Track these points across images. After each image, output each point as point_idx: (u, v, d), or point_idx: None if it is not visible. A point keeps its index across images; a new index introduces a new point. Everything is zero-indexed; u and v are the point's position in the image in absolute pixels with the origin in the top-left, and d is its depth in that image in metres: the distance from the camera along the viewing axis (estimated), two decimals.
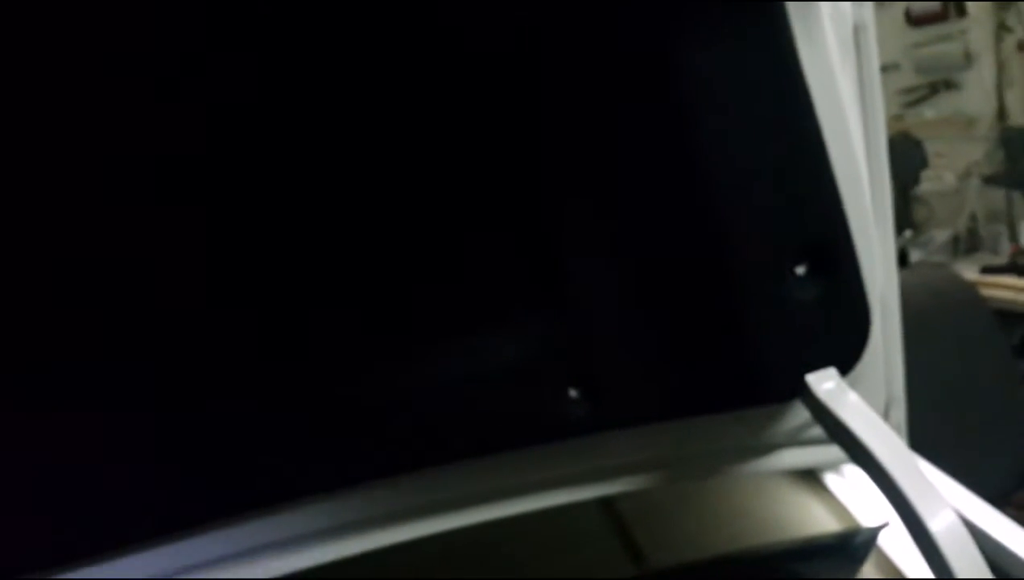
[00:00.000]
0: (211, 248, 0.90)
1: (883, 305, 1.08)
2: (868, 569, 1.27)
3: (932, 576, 0.91)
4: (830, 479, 1.50)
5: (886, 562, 1.26)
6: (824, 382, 1.00)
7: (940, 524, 0.89)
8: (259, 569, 1.03)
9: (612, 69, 0.90)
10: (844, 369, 1.01)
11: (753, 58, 0.91)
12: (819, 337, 1.01)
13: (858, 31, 1.01)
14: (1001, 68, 4.11)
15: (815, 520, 1.50)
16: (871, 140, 1.04)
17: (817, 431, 1.06)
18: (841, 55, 0.98)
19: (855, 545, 1.22)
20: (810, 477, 1.55)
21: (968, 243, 4.25)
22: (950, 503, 0.92)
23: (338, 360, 0.96)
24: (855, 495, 1.42)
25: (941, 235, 4.25)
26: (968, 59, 4.23)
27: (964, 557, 0.88)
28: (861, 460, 0.96)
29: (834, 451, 1.06)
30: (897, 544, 1.21)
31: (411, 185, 0.92)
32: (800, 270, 0.98)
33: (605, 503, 1.49)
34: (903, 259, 4.04)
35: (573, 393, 1.01)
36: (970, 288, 3.05)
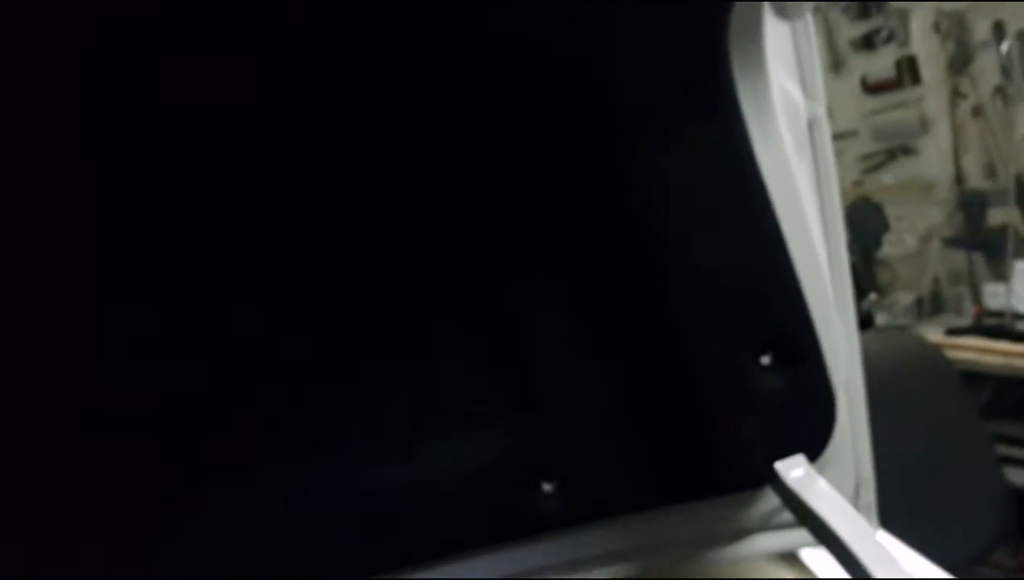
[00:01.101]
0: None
1: (848, 390, 1.10)
2: None
3: None
4: (809, 556, 1.51)
5: None
6: (793, 469, 1.01)
7: None
8: None
9: (571, 177, 0.92)
10: (812, 455, 1.03)
11: (710, 158, 0.94)
12: (786, 425, 1.03)
13: (812, 126, 1.04)
14: (956, 133, 4.20)
15: None
16: (829, 231, 1.07)
17: (789, 515, 1.08)
18: (796, 150, 1.01)
19: None
20: (790, 555, 1.56)
21: (932, 305, 4.30)
22: None
23: (302, 465, 0.97)
24: (834, 571, 1.43)
25: (905, 298, 4.30)
26: (924, 125, 4.32)
27: None
28: (831, 546, 0.97)
29: (805, 535, 1.08)
30: None
31: (376, 285, 0.93)
32: (765, 361, 1.00)
33: None
34: (868, 322, 4.08)
35: (547, 487, 1.02)
36: (935, 351, 3.09)
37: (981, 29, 4.01)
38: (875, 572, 0.93)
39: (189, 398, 0.91)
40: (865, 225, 4.40)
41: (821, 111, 1.05)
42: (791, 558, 1.54)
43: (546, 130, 0.90)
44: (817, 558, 1.49)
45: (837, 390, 1.04)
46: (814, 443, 1.03)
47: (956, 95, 4.16)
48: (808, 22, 1.03)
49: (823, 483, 1.00)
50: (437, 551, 1.01)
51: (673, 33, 0.87)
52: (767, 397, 1.00)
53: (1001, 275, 3.95)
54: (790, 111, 1.02)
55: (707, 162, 0.94)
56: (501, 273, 0.96)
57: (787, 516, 1.08)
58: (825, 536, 0.98)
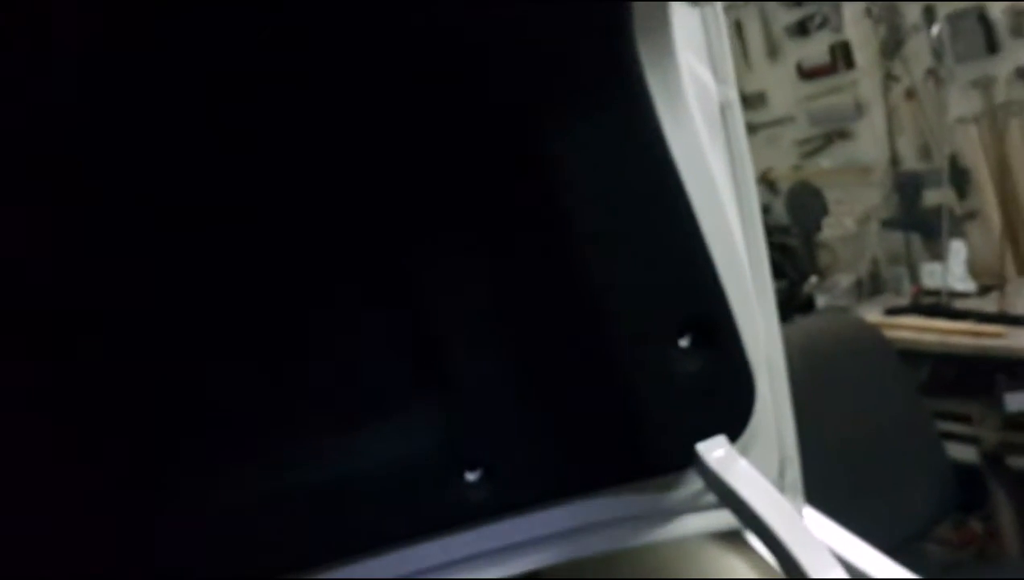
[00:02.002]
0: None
1: (770, 369, 1.11)
2: None
3: None
4: (752, 536, 1.52)
5: None
6: (714, 450, 1.02)
7: None
8: None
9: (480, 163, 0.92)
10: (733, 436, 1.04)
11: (621, 143, 0.94)
12: (706, 407, 1.03)
13: (725, 109, 1.05)
14: (891, 116, 4.25)
15: (737, 574, 1.52)
16: (745, 212, 1.08)
17: (712, 497, 1.08)
18: (710, 134, 1.02)
19: None
20: (733, 534, 1.57)
21: (871, 286, 4.35)
22: (844, 559, 0.94)
23: (225, 454, 0.96)
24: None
25: (845, 279, 4.35)
26: (859, 109, 4.36)
27: None
28: (752, 526, 0.98)
29: (729, 516, 1.09)
30: None
31: (283, 273, 0.92)
32: (683, 343, 1.01)
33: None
34: (809, 304, 4.13)
35: (471, 477, 1.03)
36: (874, 330, 3.13)
37: (912, 13, 4.06)
38: (797, 551, 0.94)
39: (101, 396, 0.91)
40: (805, 209, 4.45)
41: (733, 95, 1.06)
42: (739, 542, 1.55)
43: (453, 116, 0.90)
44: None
45: (757, 370, 1.04)
46: (735, 423, 1.04)
47: (889, 78, 4.21)
48: (717, 8, 1.03)
49: (744, 463, 1.01)
50: (363, 545, 1.01)
51: (578, 19, 0.87)
52: (686, 379, 1.01)
53: (938, 254, 4.00)
54: (702, 95, 1.02)
55: (618, 147, 0.94)
56: (417, 264, 0.96)
57: (709, 498, 1.09)
58: (747, 516, 0.99)
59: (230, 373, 0.96)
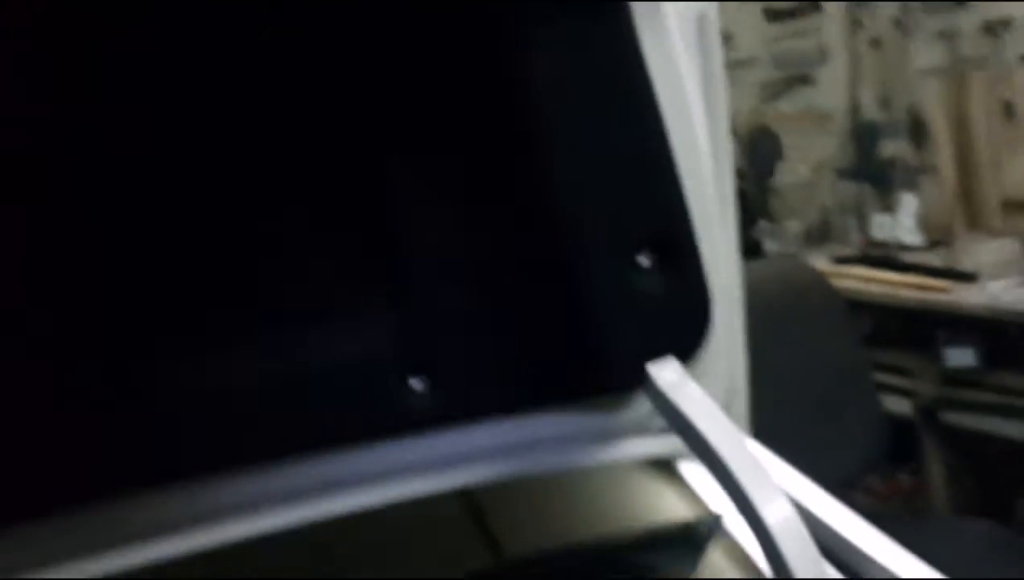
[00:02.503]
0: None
1: (726, 297, 1.09)
2: (718, 556, 1.28)
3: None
4: (685, 468, 1.52)
5: (737, 550, 1.28)
6: (665, 372, 1.00)
7: (775, 515, 0.90)
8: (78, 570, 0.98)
9: (448, 62, 0.88)
10: (685, 358, 1.02)
11: (595, 49, 0.91)
12: (661, 327, 1.01)
13: (702, 22, 1.01)
14: (854, 64, 4.23)
15: (668, 508, 1.52)
16: (715, 132, 1.05)
17: (660, 421, 1.06)
18: (685, 46, 0.99)
19: (696, 535, 1.23)
20: (666, 467, 1.57)
21: (820, 234, 4.36)
22: (786, 493, 0.93)
23: (159, 355, 0.92)
24: (708, 483, 1.44)
25: (795, 226, 4.35)
26: (823, 54, 4.34)
27: (798, 547, 0.90)
28: (699, 450, 0.97)
29: (675, 441, 1.07)
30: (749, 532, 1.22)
31: (237, 170, 0.88)
32: (643, 260, 0.98)
33: (460, 490, 1.48)
34: (757, 249, 4.13)
35: (416, 384, 0.99)
36: (820, 278, 3.13)
37: None
38: (742, 478, 0.92)
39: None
40: (760, 153, 4.43)
41: (711, 8, 1.02)
42: (671, 473, 1.55)
43: (425, 19, 0.86)
44: (697, 474, 1.50)
45: (714, 293, 1.02)
46: (687, 346, 1.02)
47: (855, 25, 4.18)
48: None
49: (694, 386, 0.99)
50: (302, 444, 0.98)
51: None
52: (642, 298, 0.99)
53: (889, 206, 4.01)
54: (680, 6, 0.99)
55: (592, 54, 0.91)
56: (373, 157, 0.92)
57: (656, 422, 1.07)
58: (694, 442, 0.97)
59: (181, 264, 0.91)
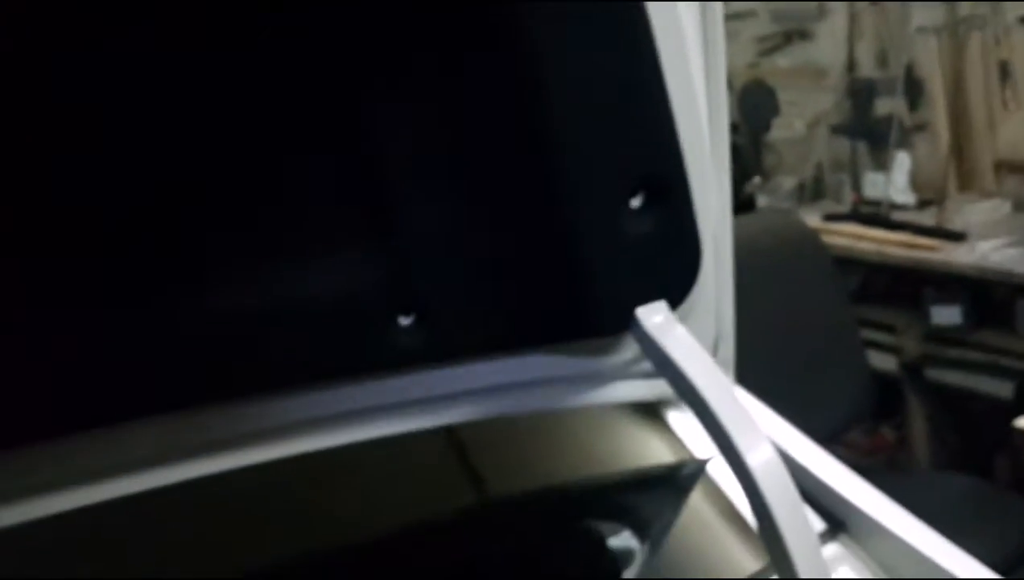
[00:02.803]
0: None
1: (716, 243, 1.09)
2: (697, 496, 1.30)
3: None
4: (672, 415, 1.53)
5: (721, 496, 1.29)
6: (653, 315, 1.01)
7: (758, 458, 0.91)
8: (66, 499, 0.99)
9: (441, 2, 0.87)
10: (674, 303, 1.02)
11: None
12: (651, 270, 1.01)
13: None
14: (853, 20, 4.20)
15: (653, 454, 1.53)
16: (711, 77, 1.04)
17: (647, 365, 1.07)
18: None
19: (681, 477, 1.24)
20: (652, 412, 1.58)
21: (813, 191, 4.36)
22: (770, 437, 0.94)
23: (147, 289, 0.92)
24: (694, 431, 1.45)
25: (788, 182, 4.34)
26: (821, 9, 4.31)
27: (780, 490, 0.91)
28: (685, 393, 0.97)
29: (661, 385, 1.08)
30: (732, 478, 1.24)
31: (217, 104, 0.87)
32: (635, 202, 0.98)
33: (447, 430, 1.49)
34: (750, 204, 4.12)
35: (404, 321, 1.00)
36: (812, 234, 3.14)
37: None
38: (727, 422, 0.93)
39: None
40: (756, 108, 4.41)
41: None
42: (657, 418, 1.56)
43: None
44: (683, 421, 1.52)
45: (704, 240, 1.02)
46: (676, 290, 1.02)
47: None
48: None
49: (682, 330, 1.00)
50: (289, 378, 0.98)
51: None
52: (633, 240, 0.99)
53: (882, 164, 4.01)
54: None
55: None
56: (361, 95, 0.91)
57: (643, 366, 1.08)
58: (680, 385, 0.98)
59: (165, 199, 0.91)
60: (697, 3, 1.02)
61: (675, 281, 1.02)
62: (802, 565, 0.89)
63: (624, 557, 1.25)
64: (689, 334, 0.99)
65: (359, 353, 1.00)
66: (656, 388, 1.15)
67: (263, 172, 0.92)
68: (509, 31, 0.90)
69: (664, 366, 0.99)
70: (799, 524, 0.90)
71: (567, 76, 0.92)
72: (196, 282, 0.95)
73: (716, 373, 0.96)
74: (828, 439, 3.06)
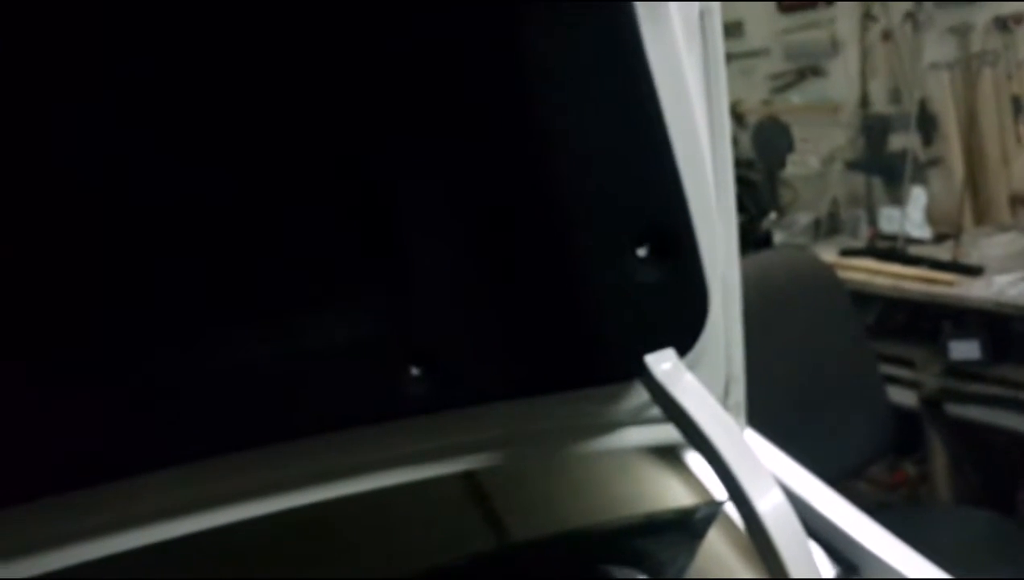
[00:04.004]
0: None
1: (724, 286, 1.10)
2: (720, 543, 1.30)
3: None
4: (689, 456, 1.53)
5: (739, 537, 1.29)
6: (662, 362, 1.01)
7: (767, 504, 0.92)
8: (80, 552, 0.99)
9: (448, 49, 0.89)
10: (683, 350, 1.03)
11: (595, 37, 0.91)
12: (659, 318, 1.02)
13: (704, 15, 1.02)
14: (865, 56, 4.22)
15: (672, 495, 1.53)
16: (715, 123, 1.05)
17: (657, 410, 1.08)
18: (686, 38, 0.99)
19: (696, 520, 1.24)
20: (670, 453, 1.58)
21: (829, 226, 4.36)
22: (780, 483, 0.94)
23: (164, 337, 0.93)
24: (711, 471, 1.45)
25: (804, 218, 4.35)
26: (835, 46, 4.33)
27: (789, 537, 0.91)
28: (694, 439, 0.98)
29: (672, 430, 1.08)
30: None
31: (240, 154, 0.89)
32: (641, 252, 0.98)
33: (465, 473, 1.49)
34: (767, 240, 4.13)
35: (414, 371, 1.00)
36: (828, 270, 3.14)
37: None
38: (737, 469, 0.93)
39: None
40: (771, 144, 4.43)
41: (714, 6, 1.03)
42: (675, 459, 1.56)
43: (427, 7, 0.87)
44: (701, 462, 1.52)
45: (712, 285, 1.03)
46: (685, 337, 1.03)
47: (868, 18, 4.17)
48: None
49: (690, 377, 1.00)
50: (298, 430, 0.99)
51: None
52: (641, 289, 0.99)
53: (898, 199, 4.02)
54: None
55: (592, 42, 0.91)
56: (371, 145, 0.93)
57: (653, 412, 1.08)
58: (690, 431, 0.98)
59: (175, 249, 0.92)
60: (698, 48, 1.03)
61: (683, 328, 1.03)
62: None
63: None
64: (697, 381, 1.00)
65: (370, 404, 1.00)
66: (667, 433, 1.15)
67: (269, 222, 0.93)
68: (513, 81, 0.91)
69: (673, 413, 0.99)
70: (809, 570, 0.90)
71: (570, 130, 0.93)
72: (209, 335, 0.96)
73: (724, 419, 0.97)
74: (849, 475, 3.06)
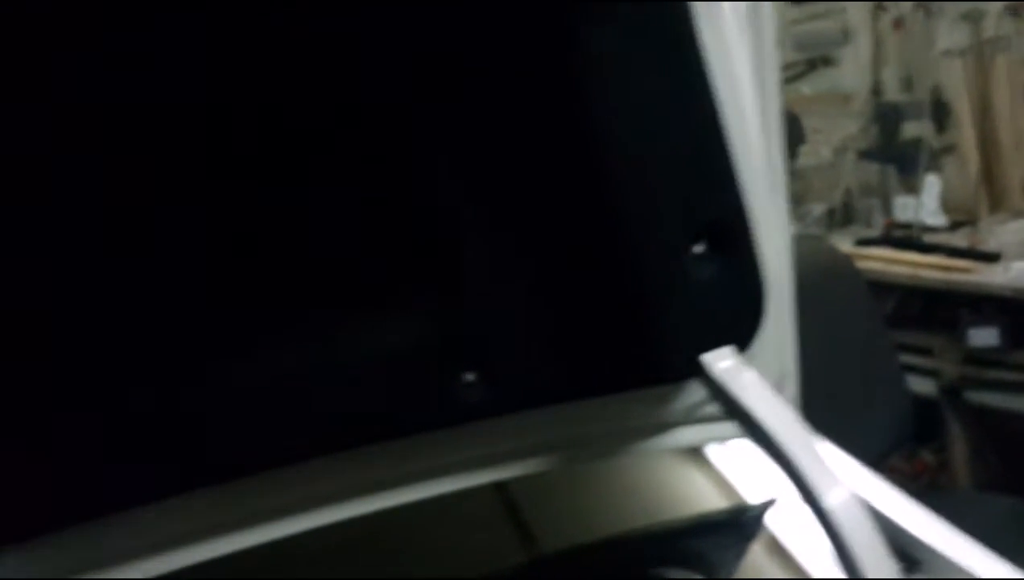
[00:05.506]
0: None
1: (777, 281, 1.08)
2: (757, 548, 1.29)
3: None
4: (712, 452, 1.52)
5: (773, 541, 1.28)
6: (720, 361, 1.00)
7: (835, 500, 0.91)
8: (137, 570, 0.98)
9: (503, 44, 0.88)
10: (740, 347, 1.01)
11: (651, 34, 0.90)
12: (716, 316, 1.01)
13: (754, 7, 1.01)
14: (877, 45, 4.20)
15: (701, 495, 1.52)
16: (766, 116, 1.04)
17: (712, 408, 1.06)
18: (737, 31, 0.98)
19: (745, 521, 1.23)
20: (694, 452, 1.57)
21: (843, 216, 4.34)
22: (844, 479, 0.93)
23: (218, 346, 0.92)
24: (738, 468, 1.44)
25: (818, 208, 4.32)
26: (845, 36, 4.30)
27: (860, 531, 0.90)
28: (758, 438, 0.97)
29: (728, 428, 1.07)
30: (784, 523, 1.24)
31: (285, 158, 0.87)
32: (698, 249, 0.97)
33: (496, 486, 1.48)
34: None
35: (468, 376, 0.99)
36: (845, 260, 3.12)
37: None
38: (804, 466, 0.92)
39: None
40: (783, 136, 4.40)
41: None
42: (699, 458, 1.55)
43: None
44: (723, 456, 1.51)
45: (768, 281, 1.02)
46: (743, 334, 1.02)
47: (878, 7, 4.15)
48: None
49: (751, 374, 0.99)
50: (355, 438, 0.98)
51: None
52: (697, 286, 0.98)
53: (912, 188, 3.99)
54: None
55: (649, 38, 0.91)
56: (425, 148, 0.92)
57: (710, 409, 1.07)
58: (753, 429, 0.97)
59: (226, 258, 0.91)
60: (749, 43, 1.02)
61: (741, 325, 1.02)
62: None
63: None
64: (758, 377, 0.99)
65: (424, 411, 0.99)
66: (719, 431, 1.14)
67: (327, 232, 0.92)
68: (570, 79, 0.90)
69: (735, 411, 0.98)
70: (882, 565, 0.89)
71: (627, 126, 0.92)
72: (261, 344, 0.95)
73: (788, 416, 0.96)
74: (870, 464, 3.04)
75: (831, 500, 0.90)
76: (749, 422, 0.96)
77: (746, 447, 1.56)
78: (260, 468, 0.96)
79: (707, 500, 1.49)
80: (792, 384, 1.15)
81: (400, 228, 0.95)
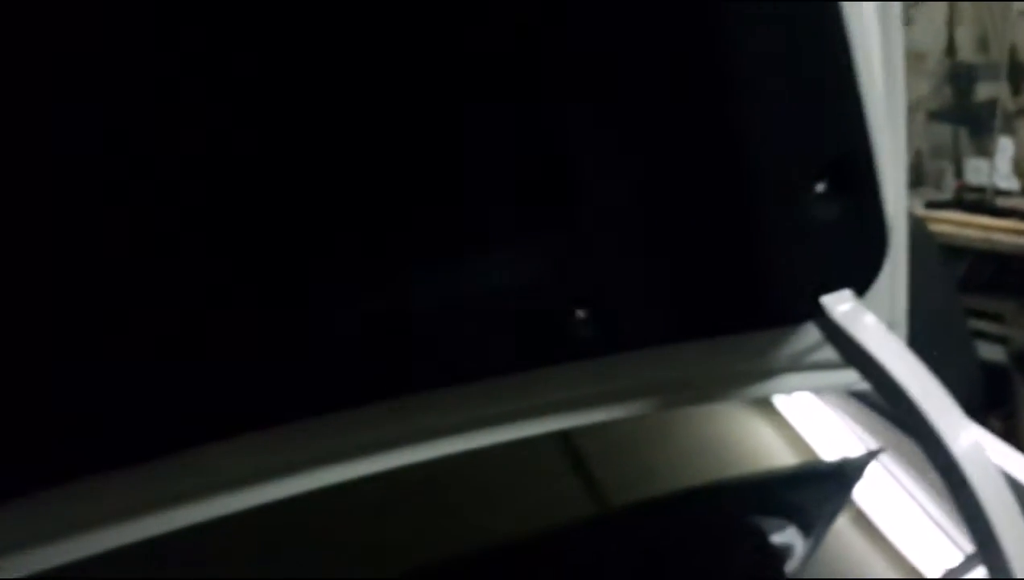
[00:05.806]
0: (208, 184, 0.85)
1: (893, 226, 1.05)
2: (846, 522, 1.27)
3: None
4: (781, 404, 1.49)
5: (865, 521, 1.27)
6: (840, 304, 0.97)
7: (963, 445, 0.88)
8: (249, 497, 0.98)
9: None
10: (860, 290, 0.98)
11: None
12: (836, 257, 0.98)
13: None
14: (952, 4, 4.11)
15: (770, 448, 1.50)
16: (889, 55, 1.00)
17: (820, 355, 1.04)
18: None
19: (848, 471, 1.21)
20: (764, 405, 1.54)
21: (913, 178, 4.27)
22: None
23: (335, 283, 0.91)
24: (807, 420, 1.42)
25: None
26: None
27: (987, 478, 0.87)
28: (880, 383, 0.94)
29: (835, 376, 1.05)
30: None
31: (399, 92, 0.85)
32: (820, 188, 0.94)
33: (564, 439, 1.46)
34: None
35: (580, 314, 0.97)
36: (918, 222, 3.07)
37: None
38: (932, 413, 0.89)
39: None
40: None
41: None
42: (768, 410, 1.53)
43: None
44: (792, 409, 1.48)
45: (889, 222, 0.99)
46: (863, 277, 0.99)
47: None
48: None
49: (872, 318, 0.96)
50: (468, 372, 0.96)
51: None
52: (818, 226, 0.95)
53: (984, 150, 3.92)
54: None
55: None
56: (543, 81, 0.89)
57: (817, 356, 1.05)
58: (876, 375, 0.94)
59: (341, 187, 0.89)
60: None
61: (860, 268, 0.99)
62: (1018, 560, 0.85)
63: (785, 553, 1.22)
64: (879, 322, 0.96)
65: (537, 347, 0.97)
66: (823, 379, 1.11)
67: (440, 165, 0.90)
68: (697, 21, 0.87)
69: (855, 356, 0.95)
70: (1009, 511, 0.86)
71: (753, 53, 0.89)
72: (371, 280, 0.93)
73: (911, 359, 0.93)
74: None
75: (958, 446, 0.87)
76: (870, 367, 0.94)
77: (812, 403, 1.55)
78: (364, 400, 0.95)
79: (778, 455, 1.47)
80: (901, 332, 1.12)
81: (527, 161, 0.93)
